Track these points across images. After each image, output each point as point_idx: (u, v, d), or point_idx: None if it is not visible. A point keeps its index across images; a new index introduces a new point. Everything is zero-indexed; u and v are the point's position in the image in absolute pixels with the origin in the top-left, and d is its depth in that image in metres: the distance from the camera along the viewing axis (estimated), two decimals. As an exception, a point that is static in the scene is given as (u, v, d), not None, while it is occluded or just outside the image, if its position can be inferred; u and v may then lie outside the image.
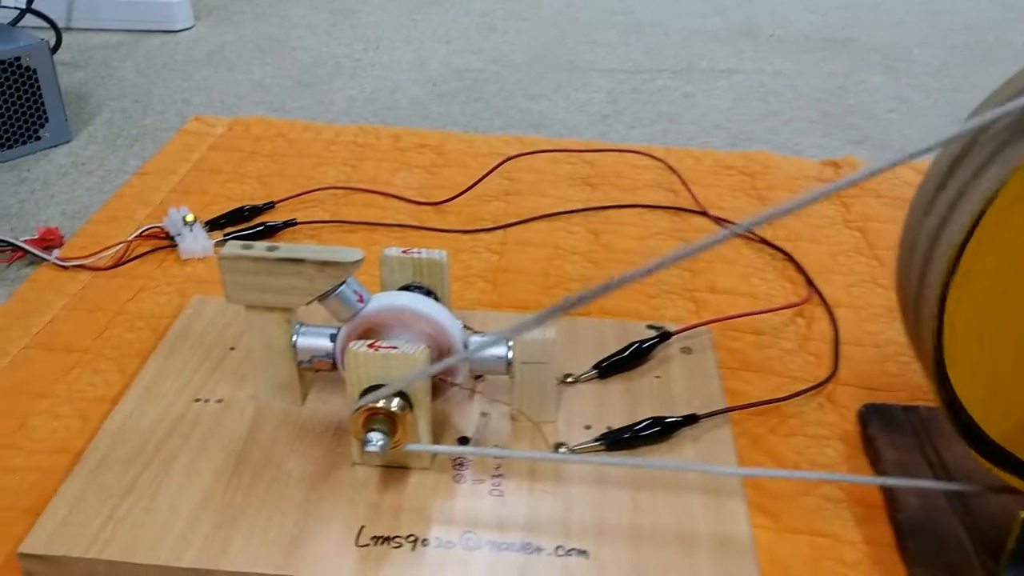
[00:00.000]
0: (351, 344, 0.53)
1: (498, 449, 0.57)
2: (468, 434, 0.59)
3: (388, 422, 0.52)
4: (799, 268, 0.82)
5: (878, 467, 0.59)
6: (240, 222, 0.86)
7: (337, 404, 0.61)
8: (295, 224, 0.85)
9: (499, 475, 0.56)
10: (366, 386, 0.53)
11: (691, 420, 0.60)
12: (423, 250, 0.62)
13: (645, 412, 0.62)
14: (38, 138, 0.99)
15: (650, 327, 0.70)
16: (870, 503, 0.58)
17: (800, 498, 0.58)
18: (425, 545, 0.51)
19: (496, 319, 0.71)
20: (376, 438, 0.51)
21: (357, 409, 0.52)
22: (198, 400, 0.61)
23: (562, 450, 0.58)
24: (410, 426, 0.53)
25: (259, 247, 0.56)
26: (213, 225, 0.85)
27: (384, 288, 0.63)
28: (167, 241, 0.81)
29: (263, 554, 0.50)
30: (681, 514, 0.54)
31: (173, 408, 0.61)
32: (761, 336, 0.73)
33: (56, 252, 0.79)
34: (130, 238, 0.80)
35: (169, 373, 0.64)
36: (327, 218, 0.88)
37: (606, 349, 0.67)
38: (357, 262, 0.55)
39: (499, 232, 0.87)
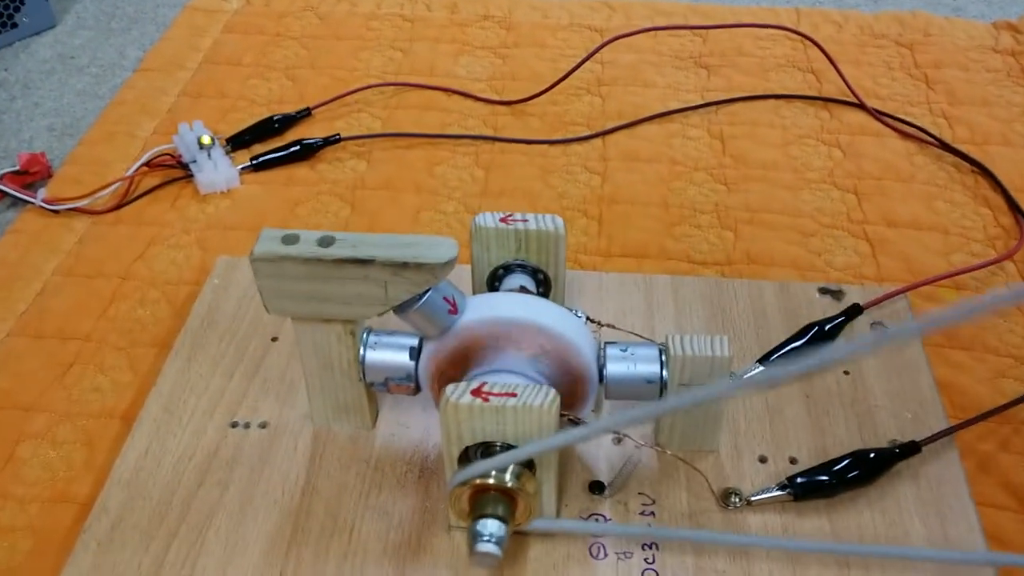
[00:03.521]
0: (447, 391, 0.36)
1: (654, 527, 0.41)
2: (601, 476, 0.43)
3: (504, 500, 0.37)
4: (996, 184, 0.63)
5: None
6: (269, 137, 0.67)
7: (421, 427, 0.46)
8: (339, 140, 0.67)
9: (651, 544, 0.41)
10: (470, 443, 0.37)
11: (910, 450, 0.44)
12: (529, 216, 0.44)
13: (837, 430, 0.45)
14: (15, 25, 0.79)
15: (824, 292, 0.53)
16: None
17: (1058, 554, 0.43)
18: (563, 666, 0.37)
19: (616, 285, 0.53)
20: (490, 530, 0.36)
21: (460, 484, 0.37)
22: (235, 425, 0.46)
23: (735, 500, 0.42)
24: (534, 497, 0.37)
25: (307, 240, 0.38)
26: (236, 143, 0.66)
27: (476, 265, 0.46)
28: (181, 171, 0.64)
29: None
30: (915, 607, 0.39)
31: (202, 439, 0.45)
32: (963, 292, 0.56)
33: (42, 191, 0.62)
34: (131, 171, 0.63)
35: (193, 383, 0.48)
36: (377, 128, 0.69)
37: (768, 328, 0.50)
38: (449, 263, 0.37)
39: (597, 142, 0.68)
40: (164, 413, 0.46)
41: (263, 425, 0.46)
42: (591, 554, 0.41)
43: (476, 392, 0.36)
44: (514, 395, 0.36)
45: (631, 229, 0.60)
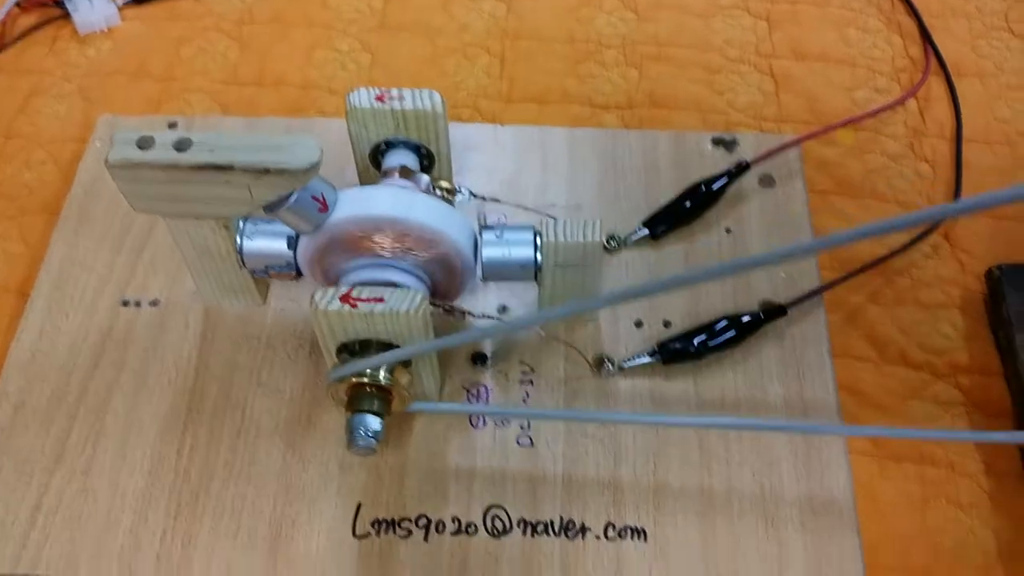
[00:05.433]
0: (315, 297, 0.37)
1: (527, 408, 0.44)
2: (484, 348, 0.45)
3: (379, 394, 0.39)
4: (911, 9, 0.61)
5: (1010, 364, 0.46)
6: (151, -39, 0.62)
7: (310, 300, 0.47)
8: (225, -32, 0.62)
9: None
10: (345, 341, 0.39)
11: (776, 313, 0.46)
12: (407, 93, 0.43)
13: (711, 292, 0.47)
14: None
15: (717, 142, 0.53)
16: (996, 409, 0.46)
17: (907, 404, 0.46)
18: (441, 531, 0.41)
19: (512, 139, 0.53)
20: (366, 427, 0.38)
21: (336, 380, 0.38)
22: (126, 303, 0.47)
23: (608, 367, 0.45)
24: (409, 386, 0.39)
25: (163, 144, 0.37)
26: (115, -30, 0.62)
27: (355, 144, 0.45)
28: (57, 9, 0.59)
29: (238, 560, 0.40)
30: (762, 466, 0.42)
31: (95, 318, 0.46)
32: (861, 133, 0.55)
33: (-94, 35, 0.58)
34: (3, 13, 0.58)
35: (82, 258, 0.48)
36: (268, -50, 0.64)
37: (659, 183, 0.51)
38: (311, 168, 0.37)
39: (505, -39, 0.64)
40: (55, 291, 0.47)
41: (154, 303, 0.47)
42: (471, 423, 0.43)
43: (344, 298, 0.37)
44: (381, 300, 0.37)
45: (534, 70, 0.58)
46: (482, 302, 0.47)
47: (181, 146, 0.37)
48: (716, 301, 0.47)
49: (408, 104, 0.42)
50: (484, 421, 0.43)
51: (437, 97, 0.43)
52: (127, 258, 0.48)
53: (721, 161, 0.51)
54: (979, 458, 0.44)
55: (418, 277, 0.41)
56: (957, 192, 0.53)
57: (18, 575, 0.39)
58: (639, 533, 0.41)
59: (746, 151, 0.52)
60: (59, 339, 0.45)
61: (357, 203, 0.39)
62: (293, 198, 0.38)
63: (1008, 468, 0.44)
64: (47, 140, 0.55)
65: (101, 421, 0.43)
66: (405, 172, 0.43)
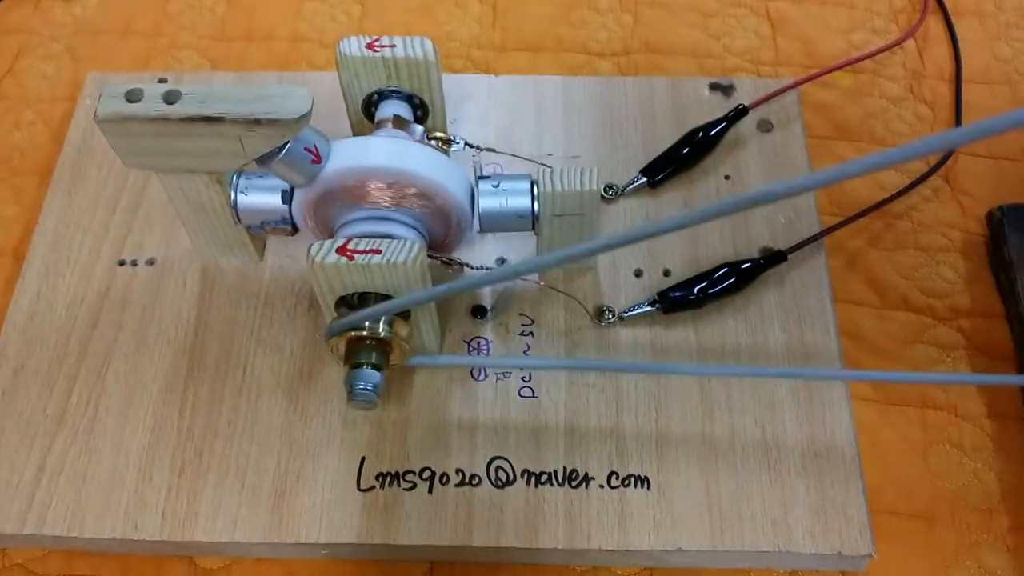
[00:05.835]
0: (311, 251, 0.37)
1: (528, 359, 0.44)
2: (484, 301, 0.45)
3: (379, 347, 0.38)
4: (911, -52, 0.60)
5: (1011, 306, 0.46)
6: (133, -85, 0.61)
7: (307, 256, 0.46)
8: (210, -81, 0.60)
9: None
10: (343, 294, 0.38)
11: (776, 259, 0.46)
12: (397, 41, 0.42)
13: (711, 239, 0.47)
14: None
15: (714, 87, 0.52)
16: (998, 352, 0.46)
17: (908, 348, 0.46)
18: (445, 483, 0.41)
19: (506, 90, 0.52)
20: (365, 380, 0.38)
21: (335, 334, 0.38)
22: (123, 263, 0.46)
23: (608, 317, 0.44)
24: (409, 338, 0.39)
25: (152, 96, 0.36)
26: (96, -76, 0.60)
27: (347, 94, 0.44)
28: (37, -36, 0.58)
29: (244, 515, 0.40)
30: (764, 412, 0.42)
31: (91, 278, 0.46)
32: (860, 76, 0.55)
33: None
34: (-18, -31, 0.57)
35: (77, 218, 0.48)
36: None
37: (656, 131, 0.50)
38: (303, 117, 0.36)
39: (496, -94, 0.62)
40: (51, 252, 0.46)
41: (150, 262, 0.46)
42: (472, 376, 0.43)
43: (341, 250, 0.37)
44: (378, 252, 0.37)
45: (527, 18, 0.57)
46: (480, 254, 0.46)
47: (170, 98, 0.36)
48: (716, 249, 0.47)
49: (400, 52, 0.42)
50: (485, 373, 0.43)
51: (429, 45, 0.42)
52: (122, 217, 0.47)
53: (718, 107, 0.51)
54: (981, 401, 0.44)
55: (415, 229, 0.40)
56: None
57: (25, 534, 0.40)
58: (642, 481, 0.41)
59: (743, 96, 0.51)
60: (56, 301, 0.45)
61: (351, 154, 0.39)
62: (285, 149, 0.37)
63: (1010, 411, 0.44)
64: (35, 100, 0.54)
65: (102, 381, 0.43)
66: (399, 122, 0.43)
